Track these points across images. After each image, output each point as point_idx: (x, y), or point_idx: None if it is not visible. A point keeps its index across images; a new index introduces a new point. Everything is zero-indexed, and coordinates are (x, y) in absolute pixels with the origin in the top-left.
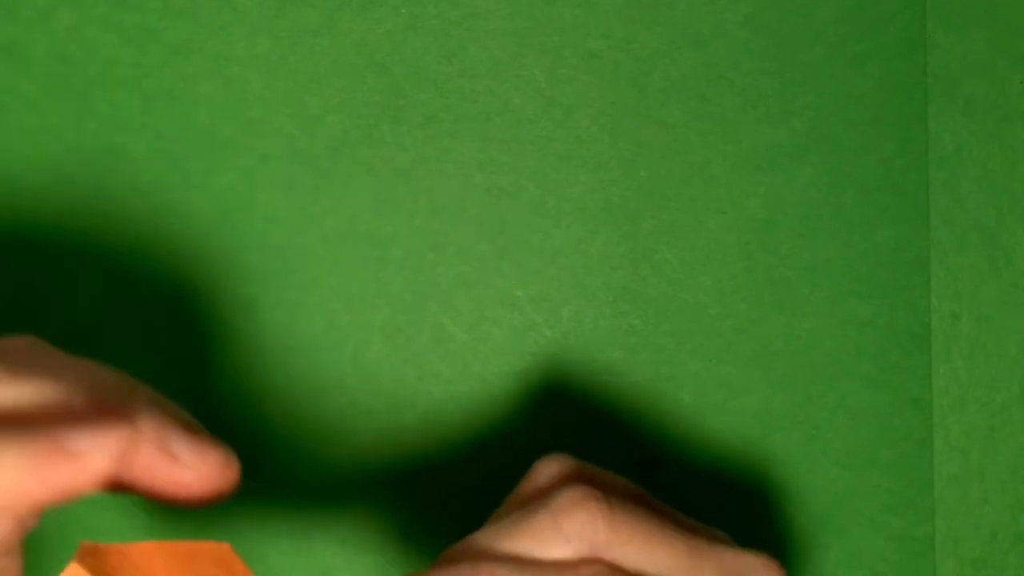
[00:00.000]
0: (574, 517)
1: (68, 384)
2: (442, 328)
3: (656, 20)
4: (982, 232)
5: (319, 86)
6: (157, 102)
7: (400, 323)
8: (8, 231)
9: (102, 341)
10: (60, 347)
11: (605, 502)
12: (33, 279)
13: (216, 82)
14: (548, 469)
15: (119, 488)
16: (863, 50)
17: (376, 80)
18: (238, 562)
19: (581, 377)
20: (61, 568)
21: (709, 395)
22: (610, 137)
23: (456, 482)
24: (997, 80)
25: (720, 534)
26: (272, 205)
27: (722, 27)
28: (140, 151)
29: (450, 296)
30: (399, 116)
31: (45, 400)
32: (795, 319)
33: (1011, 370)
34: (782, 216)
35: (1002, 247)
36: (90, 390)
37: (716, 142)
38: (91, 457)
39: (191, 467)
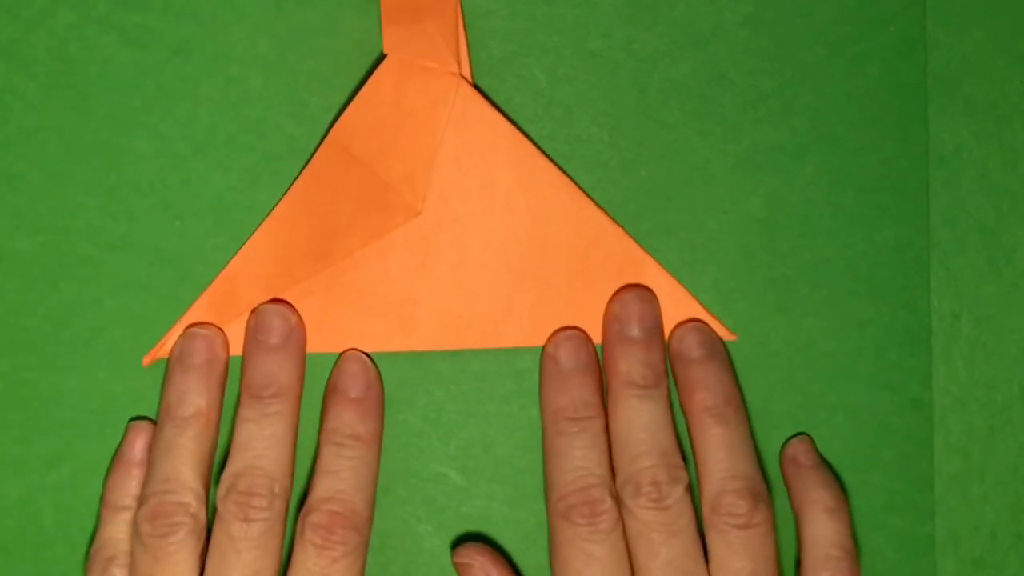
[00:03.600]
0: (738, 503)
1: None
2: None
3: (656, 20)
4: (982, 232)
5: (319, 86)
6: (157, 102)
7: None
8: (8, 231)
9: (103, 341)
10: (59, 348)
11: (767, 526)
12: (33, 279)
13: (216, 82)
14: None
15: None
16: (863, 50)
17: None
18: None
19: None
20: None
21: None
22: (610, 137)
23: (457, 481)
24: (997, 80)
25: None
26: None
27: (722, 27)
28: (140, 151)
29: None
30: None
31: None
32: (795, 319)
33: (1011, 370)
34: (782, 216)
35: (1002, 247)
36: None
37: (716, 142)
38: None
39: None
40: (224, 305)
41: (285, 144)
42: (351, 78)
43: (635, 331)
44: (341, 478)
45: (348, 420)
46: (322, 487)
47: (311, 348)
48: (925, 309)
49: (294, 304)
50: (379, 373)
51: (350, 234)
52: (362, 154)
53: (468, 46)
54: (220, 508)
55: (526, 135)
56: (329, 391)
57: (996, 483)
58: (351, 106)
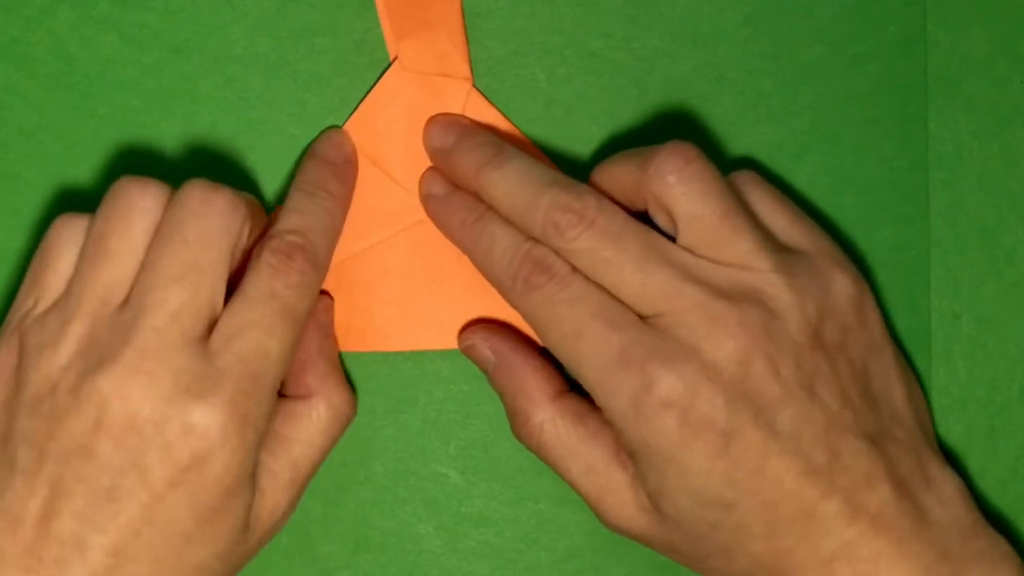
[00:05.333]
0: (670, 152)
1: None
2: None
3: (656, 20)
4: (982, 232)
5: (319, 86)
6: (157, 102)
7: None
8: (8, 231)
9: None
10: None
11: (704, 160)
12: None
13: (216, 82)
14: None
15: None
16: (863, 50)
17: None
18: None
19: None
20: None
21: None
22: (610, 137)
23: (457, 481)
24: (997, 80)
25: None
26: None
27: (722, 27)
28: (140, 151)
29: None
30: None
31: None
32: None
33: (1011, 370)
34: None
35: (1002, 247)
36: None
37: (716, 142)
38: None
39: None
40: None
41: (285, 144)
42: (351, 78)
43: (440, 143)
44: (307, 217)
45: (323, 174)
46: (287, 221)
47: None
48: (925, 309)
49: None
50: (356, 154)
51: (353, 235)
52: (372, 155)
53: (468, 46)
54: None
55: (527, 136)
56: (307, 155)
57: (996, 483)
58: (361, 107)
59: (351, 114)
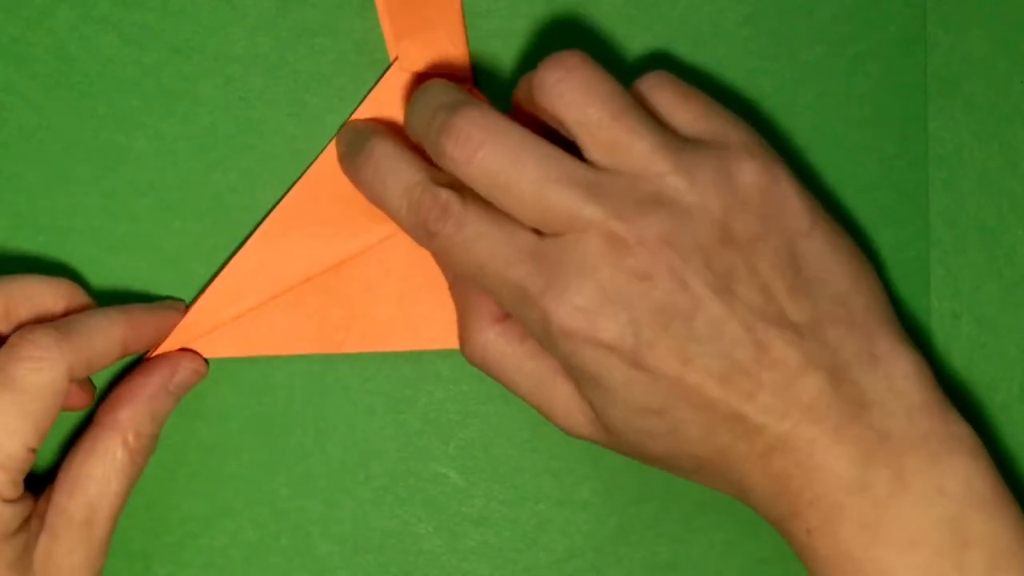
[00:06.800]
0: (552, 63)
1: None
2: None
3: (656, 20)
4: (982, 232)
5: (319, 86)
6: (157, 102)
7: None
8: (8, 231)
9: None
10: None
11: (588, 66)
12: None
13: (216, 82)
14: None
15: None
16: (863, 50)
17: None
18: None
19: None
20: None
21: None
22: None
23: (457, 481)
24: (997, 80)
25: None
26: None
27: (722, 27)
28: (140, 151)
29: None
30: None
31: None
32: None
33: (1011, 370)
34: None
35: (1002, 247)
36: None
37: None
38: None
39: None
40: (224, 305)
41: (285, 144)
42: (351, 78)
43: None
44: (68, 321)
45: (116, 309)
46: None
47: (311, 348)
48: (925, 309)
49: (294, 304)
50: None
51: (353, 234)
52: None
53: (468, 46)
54: None
55: None
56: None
57: None
58: (361, 107)
59: (351, 114)
